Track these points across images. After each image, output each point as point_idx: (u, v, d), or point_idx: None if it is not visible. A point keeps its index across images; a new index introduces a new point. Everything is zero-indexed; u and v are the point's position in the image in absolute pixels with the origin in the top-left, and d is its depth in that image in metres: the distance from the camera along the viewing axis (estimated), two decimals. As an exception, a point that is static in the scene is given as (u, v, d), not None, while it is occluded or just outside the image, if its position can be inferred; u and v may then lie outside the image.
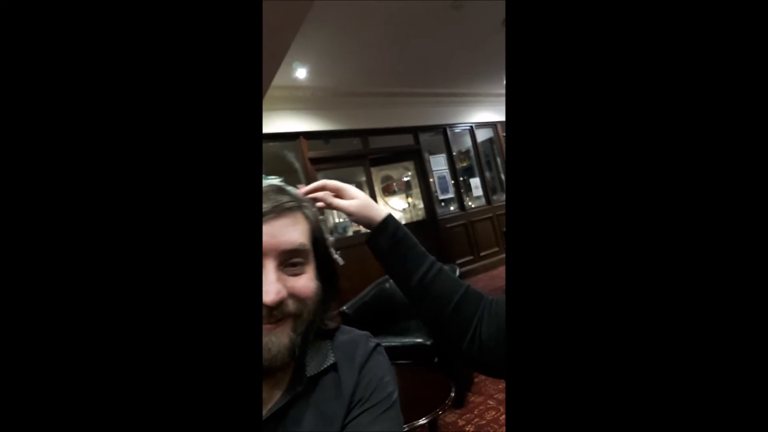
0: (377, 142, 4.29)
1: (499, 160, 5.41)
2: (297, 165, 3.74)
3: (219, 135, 0.31)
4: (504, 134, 5.44)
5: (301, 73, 3.36)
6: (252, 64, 0.32)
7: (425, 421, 1.18)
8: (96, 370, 0.27)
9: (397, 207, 5.27)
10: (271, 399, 0.48)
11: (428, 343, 1.70)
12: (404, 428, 0.53)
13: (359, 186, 4.72)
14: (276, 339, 0.44)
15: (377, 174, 4.89)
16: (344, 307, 1.95)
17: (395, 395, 0.52)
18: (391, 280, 2.30)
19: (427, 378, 1.42)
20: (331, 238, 0.55)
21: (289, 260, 0.47)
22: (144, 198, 0.29)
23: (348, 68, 3.52)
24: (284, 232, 0.47)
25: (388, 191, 5.40)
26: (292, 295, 0.46)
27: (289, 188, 0.53)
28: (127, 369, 0.28)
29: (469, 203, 4.97)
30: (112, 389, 0.27)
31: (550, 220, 0.29)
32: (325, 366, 0.50)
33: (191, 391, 0.29)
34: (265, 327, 0.43)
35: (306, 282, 0.48)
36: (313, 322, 0.49)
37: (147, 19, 0.30)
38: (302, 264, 0.48)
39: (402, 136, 4.50)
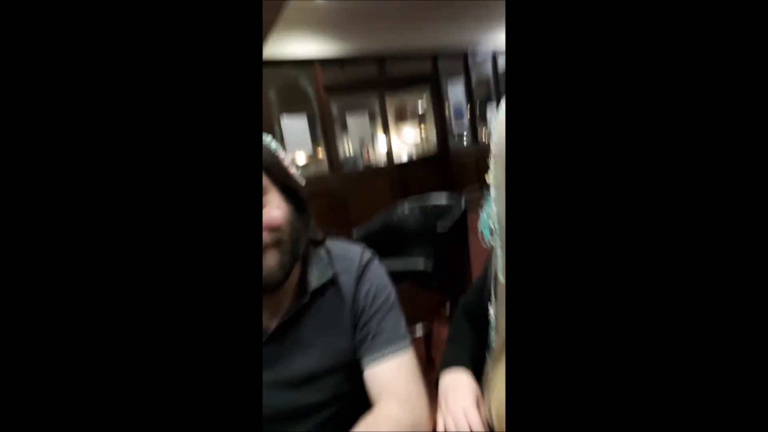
0: (394, 69, 4.13)
1: (519, 92, 5.16)
2: (310, 93, 3.68)
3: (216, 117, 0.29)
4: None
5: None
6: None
7: (421, 334, 1.36)
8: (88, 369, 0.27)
9: (408, 140, 5.20)
10: (279, 312, 0.55)
11: (429, 270, 1.86)
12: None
13: (371, 115, 4.55)
14: (264, 263, 0.48)
15: (391, 102, 4.76)
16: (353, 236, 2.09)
17: (393, 295, 0.59)
18: (398, 211, 2.40)
19: (425, 298, 1.59)
20: (284, 154, 0.55)
21: None
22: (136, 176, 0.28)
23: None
24: None
25: (401, 119, 5.29)
26: (264, 228, 0.48)
27: None
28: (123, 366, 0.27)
29: (484, 139, 4.88)
30: (106, 389, 0.27)
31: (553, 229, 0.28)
32: (326, 280, 0.56)
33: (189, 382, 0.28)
34: None
35: (271, 212, 0.49)
36: (297, 240, 0.53)
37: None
38: (263, 195, 0.49)
39: (420, 63, 4.30)
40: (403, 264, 1.94)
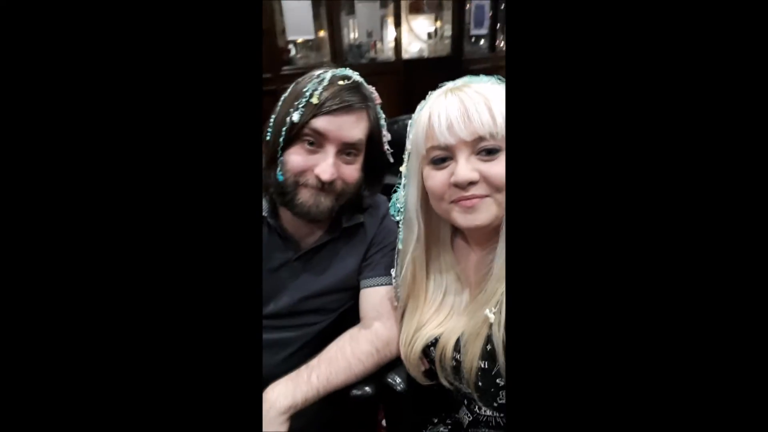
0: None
1: (551, -5, 4.58)
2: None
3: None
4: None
5: None
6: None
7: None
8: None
9: (421, 32, 4.72)
10: (314, 237, 0.72)
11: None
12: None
13: (383, 1, 4.04)
14: (323, 200, 0.64)
15: (408, -13, 4.19)
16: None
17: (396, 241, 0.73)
18: (399, 122, 2.33)
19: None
20: (387, 136, 0.68)
21: (346, 150, 0.62)
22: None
23: None
24: (348, 127, 0.60)
25: (416, 9, 4.73)
26: (341, 178, 0.64)
27: (364, 86, 0.64)
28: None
29: (502, 44, 4.48)
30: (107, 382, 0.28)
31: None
32: (356, 222, 0.73)
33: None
34: (319, 192, 0.62)
35: (353, 171, 0.66)
36: (351, 201, 0.70)
37: None
38: (355, 155, 0.64)
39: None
40: (395, 178, 1.96)
